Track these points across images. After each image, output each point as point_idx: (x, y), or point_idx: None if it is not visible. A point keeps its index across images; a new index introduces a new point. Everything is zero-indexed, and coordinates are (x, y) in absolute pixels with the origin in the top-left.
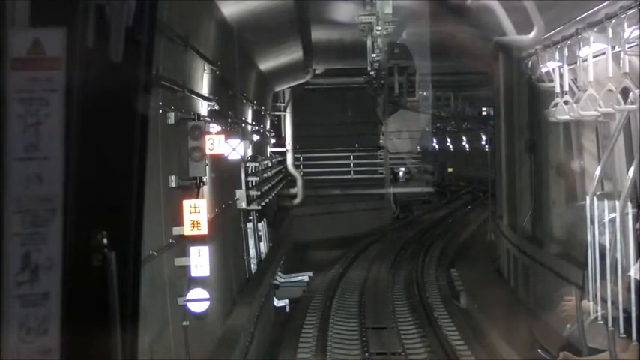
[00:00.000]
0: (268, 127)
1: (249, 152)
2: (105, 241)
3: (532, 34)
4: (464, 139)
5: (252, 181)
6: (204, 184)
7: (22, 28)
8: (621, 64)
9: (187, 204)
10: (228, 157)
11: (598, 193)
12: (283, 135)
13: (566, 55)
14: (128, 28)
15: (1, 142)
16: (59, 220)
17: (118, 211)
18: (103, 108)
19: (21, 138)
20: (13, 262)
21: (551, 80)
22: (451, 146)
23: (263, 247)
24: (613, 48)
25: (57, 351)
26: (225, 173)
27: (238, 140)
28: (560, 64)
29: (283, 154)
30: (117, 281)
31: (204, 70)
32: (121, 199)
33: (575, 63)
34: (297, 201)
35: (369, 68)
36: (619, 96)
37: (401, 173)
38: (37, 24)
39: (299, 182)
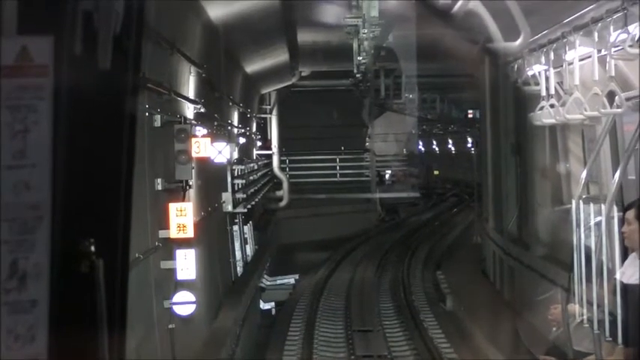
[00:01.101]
0: (254, 129)
1: (236, 155)
2: (93, 248)
3: (519, 41)
4: (450, 141)
5: (238, 184)
6: (190, 187)
7: (10, 35)
8: (607, 68)
9: (173, 207)
10: (215, 160)
11: (584, 196)
12: (269, 137)
13: (552, 58)
14: (116, 36)
15: None
16: (47, 228)
17: (106, 218)
18: (90, 115)
19: (8, 145)
20: (1, 270)
21: (537, 83)
22: (437, 149)
23: (249, 249)
24: (599, 51)
25: (44, 358)
26: (212, 176)
27: (224, 143)
28: (546, 67)
29: (269, 156)
30: (105, 289)
31: (191, 72)
32: (109, 206)
33: (562, 66)
34: (283, 203)
35: (355, 71)
36: (605, 99)
37: (387, 176)
38: (25, 32)
39: (285, 185)
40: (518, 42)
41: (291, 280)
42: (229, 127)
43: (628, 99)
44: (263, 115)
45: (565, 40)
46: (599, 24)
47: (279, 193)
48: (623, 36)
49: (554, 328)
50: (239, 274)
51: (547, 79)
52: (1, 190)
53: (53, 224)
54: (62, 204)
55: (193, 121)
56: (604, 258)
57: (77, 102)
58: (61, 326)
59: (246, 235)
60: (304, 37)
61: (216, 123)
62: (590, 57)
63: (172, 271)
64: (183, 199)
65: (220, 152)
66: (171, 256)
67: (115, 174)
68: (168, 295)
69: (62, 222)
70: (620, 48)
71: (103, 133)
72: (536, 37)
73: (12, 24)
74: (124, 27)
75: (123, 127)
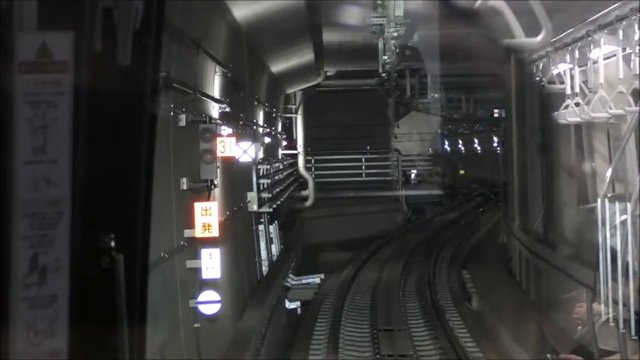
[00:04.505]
0: (280, 129)
1: (261, 154)
2: (113, 243)
3: (540, 37)
4: (475, 141)
5: (263, 184)
6: (215, 186)
7: (30, 32)
8: (632, 66)
9: (198, 206)
10: (240, 160)
11: (609, 194)
12: (295, 137)
13: (577, 56)
14: (135, 32)
15: (10, 145)
16: (67, 223)
17: (125, 214)
18: (110, 111)
19: (29, 141)
20: (21, 265)
21: (562, 82)
22: (463, 148)
23: (274, 249)
24: (624, 50)
25: (65, 353)
26: (237, 175)
27: (250, 142)
28: (571, 66)
29: (295, 156)
30: (124, 284)
31: (216, 72)
32: (128, 202)
33: (586, 65)
34: (308, 203)
35: (380, 70)
36: (630, 98)
37: (412, 175)
38: (44, 28)
39: (310, 184)
40: (540, 38)
41: (316, 279)
42: (254, 127)
43: None
44: (288, 115)
45: (590, 38)
46: (624, 22)
47: (304, 193)
48: None
49: (579, 327)
50: (264, 274)
51: (572, 77)
52: (22, 186)
53: (73, 220)
54: (82, 200)
55: (218, 121)
56: (629, 257)
57: (97, 98)
58: (81, 321)
59: (271, 235)
60: (329, 36)
61: (241, 122)
62: (614, 55)
63: (198, 271)
64: (208, 199)
65: (245, 152)
66: (196, 256)
67: (135, 170)
68: (194, 295)
69: (82, 217)
70: None
71: (122, 129)
72: (561, 35)
73: (32, 20)
74: (143, 23)
75: (143, 123)
